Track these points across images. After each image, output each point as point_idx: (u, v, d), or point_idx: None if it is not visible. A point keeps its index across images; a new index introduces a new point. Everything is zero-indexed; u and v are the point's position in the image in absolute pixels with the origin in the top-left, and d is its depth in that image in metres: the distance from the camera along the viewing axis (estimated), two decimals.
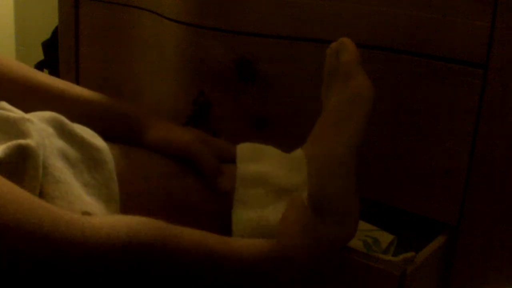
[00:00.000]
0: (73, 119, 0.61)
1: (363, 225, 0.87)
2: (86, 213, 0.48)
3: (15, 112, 0.54)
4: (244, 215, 0.66)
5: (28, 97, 0.69)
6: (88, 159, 0.55)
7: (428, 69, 0.83)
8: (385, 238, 0.87)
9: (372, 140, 0.87)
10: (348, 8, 0.87)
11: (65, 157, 0.54)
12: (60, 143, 0.55)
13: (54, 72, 1.58)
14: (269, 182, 0.68)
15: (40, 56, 1.74)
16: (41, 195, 0.50)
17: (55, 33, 1.68)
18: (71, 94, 0.72)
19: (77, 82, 1.22)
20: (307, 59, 0.92)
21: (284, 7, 0.92)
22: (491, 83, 0.78)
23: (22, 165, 0.49)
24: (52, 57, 1.65)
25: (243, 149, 0.74)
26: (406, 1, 0.82)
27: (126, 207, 0.56)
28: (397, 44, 0.85)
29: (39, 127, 0.54)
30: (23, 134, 0.51)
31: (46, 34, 1.73)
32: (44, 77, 0.73)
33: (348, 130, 0.73)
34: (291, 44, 0.92)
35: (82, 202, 0.52)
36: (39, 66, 1.71)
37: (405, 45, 0.84)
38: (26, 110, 0.58)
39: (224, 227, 0.66)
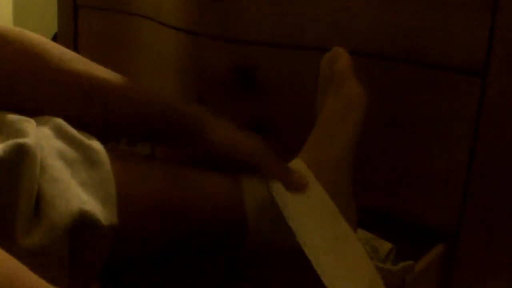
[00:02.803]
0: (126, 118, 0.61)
1: (362, 234, 0.87)
2: None
3: (13, 115, 0.54)
4: None
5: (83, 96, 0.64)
6: (85, 159, 0.55)
7: (426, 77, 0.83)
8: (384, 247, 0.86)
9: (370, 149, 0.87)
10: (346, 17, 0.87)
11: (63, 157, 0.54)
12: (58, 144, 0.55)
13: None
14: None
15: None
16: (39, 193, 0.50)
17: (54, 40, 1.68)
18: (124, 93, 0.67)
19: None
20: (305, 67, 0.92)
21: (283, 15, 0.92)
22: (490, 91, 0.78)
23: (20, 164, 0.49)
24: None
25: None
26: (405, 9, 0.83)
27: (123, 209, 0.55)
28: (395, 53, 0.85)
29: (37, 128, 0.54)
30: (21, 133, 0.51)
31: None
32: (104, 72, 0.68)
33: (343, 137, 0.73)
34: (290, 52, 0.92)
35: (79, 200, 0.52)
36: None
37: (404, 54, 0.84)
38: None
39: (219, 233, 0.66)
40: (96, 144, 0.58)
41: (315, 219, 0.67)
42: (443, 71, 0.82)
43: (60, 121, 0.57)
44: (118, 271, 0.61)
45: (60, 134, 0.56)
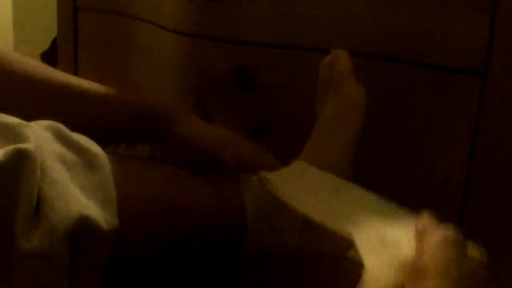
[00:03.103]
0: (88, 117, 0.62)
1: None
2: None
3: (13, 119, 0.54)
4: None
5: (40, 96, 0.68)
6: (85, 163, 0.55)
7: (426, 78, 0.83)
8: None
9: (370, 149, 0.87)
10: (346, 17, 0.87)
11: (62, 161, 0.54)
12: (57, 148, 0.55)
13: None
14: None
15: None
16: (39, 196, 0.50)
17: (54, 43, 1.68)
18: (84, 91, 0.69)
19: None
20: (306, 68, 0.92)
21: (283, 16, 0.92)
22: (490, 92, 0.78)
23: (20, 168, 0.49)
24: (51, 66, 1.65)
25: None
26: (405, 10, 0.83)
27: (123, 212, 0.55)
28: (395, 54, 0.85)
29: (37, 132, 0.54)
30: (21, 138, 0.51)
31: (45, 44, 1.73)
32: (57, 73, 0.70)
33: (342, 137, 0.73)
34: (290, 53, 0.92)
35: (79, 203, 0.52)
36: None
37: (404, 55, 0.84)
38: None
39: (219, 233, 0.66)
40: (95, 148, 0.58)
41: (307, 187, 0.67)
42: (443, 71, 0.82)
43: (59, 126, 0.57)
44: (118, 273, 0.61)
45: (60, 138, 0.56)
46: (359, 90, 0.76)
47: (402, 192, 0.87)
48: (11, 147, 0.49)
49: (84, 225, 0.51)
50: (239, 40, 0.96)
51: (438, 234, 0.50)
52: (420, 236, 0.52)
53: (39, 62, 0.72)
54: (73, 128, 0.59)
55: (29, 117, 0.57)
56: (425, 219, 0.55)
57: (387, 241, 0.55)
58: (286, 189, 0.67)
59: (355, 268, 0.71)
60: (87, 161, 0.56)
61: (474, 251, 0.53)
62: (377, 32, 0.85)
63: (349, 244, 0.74)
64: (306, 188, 0.68)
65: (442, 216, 0.84)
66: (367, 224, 0.60)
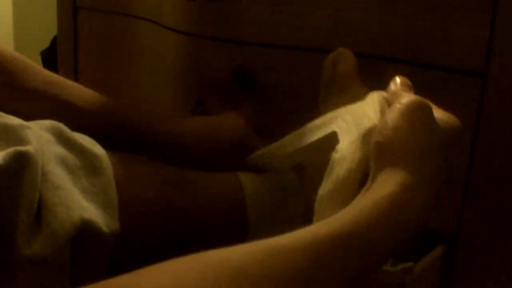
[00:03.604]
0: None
1: None
2: None
3: (13, 119, 0.54)
4: None
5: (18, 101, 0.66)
6: (86, 165, 0.55)
7: (426, 78, 0.83)
8: None
9: None
10: (347, 17, 0.87)
11: (64, 164, 0.54)
12: (59, 150, 0.55)
13: None
14: None
15: (39, 65, 1.74)
16: (40, 201, 0.50)
17: (54, 42, 1.68)
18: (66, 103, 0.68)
19: None
20: (306, 68, 0.92)
21: (283, 16, 0.92)
22: (490, 92, 0.78)
23: (21, 172, 0.48)
24: (51, 66, 1.65)
25: None
26: (405, 10, 0.83)
27: (124, 214, 0.55)
28: (395, 54, 0.85)
29: (38, 134, 0.54)
30: (22, 140, 0.51)
31: (45, 43, 1.73)
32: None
33: None
34: (290, 53, 0.92)
35: (81, 208, 0.51)
36: None
37: (404, 54, 0.84)
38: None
39: (220, 233, 0.66)
40: (97, 149, 0.58)
41: None
42: (443, 71, 0.82)
43: (61, 126, 0.57)
44: (119, 274, 0.61)
45: (61, 139, 0.56)
46: (364, 91, 0.75)
47: None
48: (11, 150, 0.49)
49: (85, 229, 0.51)
50: (239, 40, 0.96)
51: (402, 100, 0.49)
52: (389, 103, 0.51)
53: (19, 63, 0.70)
54: None
55: None
56: (397, 82, 0.53)
57: (358, 116, 0.56)
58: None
59: None
60: (89, 163, 0.56)
61: (443, 114, 0.52)
62: (377, 32, 0.85)
63: None
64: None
65: (442, 216, 0.84)
66: (347, 114, 0.60)
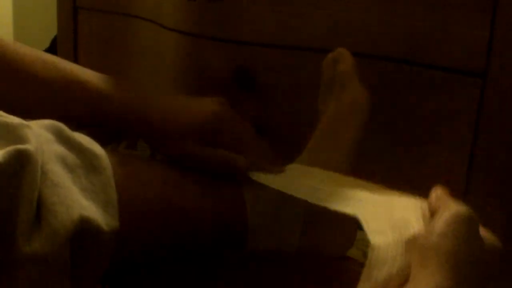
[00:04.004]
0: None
1: (361, 235, 0.87)
2: None
3: (13, 119, 0.54)
4: None
5: None
6: (86, 164, 0.55)
7: (426, 78, 0.83)
8: None
9: (370, 150, 0.87)
10: (346, 18, 0.87)
11: (63, 162, 0.54)
12: (58, 149, 0.55)
13: None
14: None
15: None
16: (40, 200, 0.50)
17: (54, 42, 1.68)
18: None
19: None
20: (306, 68, 0.92)
21: (283, 16, 0.92)
22: (490, 92, 0.78)
23: (20, 170, 0.49)
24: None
25: None
26: (405, 10, 0.83)
27: (124, 214, 0.55)
28: (395, 54, 0.85)
29: (38, 133, 0.54)
30: (21, 139, 0.51)
31: (45, 43, 1.73)
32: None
33: (345, 140, 0.73)
34: (290, 53, 0.92)
35: (80, 207, 0.51)
36: None
37: (404, 54, 0.84)
38: None
39: (219, 234, 0.66)
40: (97, 148, 0.58)
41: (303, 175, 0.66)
42: (443, 71, 0.82)
43: (61, 125, 0.57)
44: (118, 274, 0.61)
45: (61, 138, 0.56)
46: (363, 92, 0.75)
47: (402, 192, 0.87)
48: (11, 148, 0.49)
49: (85, 228, 0.51)
50: (239, 40, 0.96)
51: (451, 210, 0.47)
52: (432, 211, 0.51)
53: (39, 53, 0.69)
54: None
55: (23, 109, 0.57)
56: (439, 192, 0.53)
57: (395, 219, 0.53)
58: (287, 182, 0.66)
59: (356, 267, 0.71)
60: (89, 163, 0.56)
61: (487, 233, 0.52)
62: (377, 32, 0.85)
63: (349, 243, 0.74)
64: (308, 181, 0.67)
65: None
66: (373, 203, 0.59)
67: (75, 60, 1.22)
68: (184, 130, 0.66)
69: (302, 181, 0.67)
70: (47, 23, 1.63)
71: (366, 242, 0.88)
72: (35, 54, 0.69)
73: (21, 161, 0.49)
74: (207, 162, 0.66)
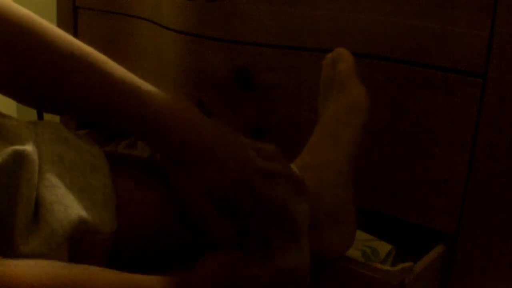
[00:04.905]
0: None
1: (361, 235, 0.87)
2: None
3: (12, 119, 0.54)
4: None
5: None
6: (84, 164, 0.55)
7: (426, 78, 0.83)
8: (383, 248, 0.86)
9: (370, 149, 0.87)
10: (347, 18, 0.87)
11: (61, 162, 0.54)
12: (56, 149, 0.55)
13: None
14: None
15: None
16: (38, 199, 0.50)
17: None
18: None
19: None
20: (306, 68, 0.92)
21: (283, 16, 0.92)
22: (490, 92, 0.78)
23: (19, 171, 0.49)
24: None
25: None
26: (405, 10, 0.83)
27: (122, 214, 0.55)
28: (396, 54, 0.85)
29: (36, 133, 0.54)
30: (20, 140, 0.51)
31: None
32: None
33: (345, 140, 0.73)
34: (290, 54, 0.92)
35: (78, 207, 0.51)
36: None
37: (404, 55, 0.84)
38: None
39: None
40: (95, 149, 0.58)
41: None
42: (443, 71, 0.82)
43: (59, 126, 0.57)
44: None
45: (60, 139, 0.56)
46: (363, 92, 0.75)
47: (402, 192, 0.87)
48: (9, 149, 0.49)
49: (83, 228, 0.51)
50: (239, 41, 0.96)
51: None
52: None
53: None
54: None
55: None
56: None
57: None
58: None
59: (356, 267, 0.71)
60: (87, 163, 0.56)
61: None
62: (377, 32, 0.85)
63: (349, 243, 0.74)
64: None
65: (442, 216, 0.84)
66: None
67: None
68: (213, 185, 0.61)
69: None
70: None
71: (365, 243, 0.88)
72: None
73: (19, 162, 0.49)
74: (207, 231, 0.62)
